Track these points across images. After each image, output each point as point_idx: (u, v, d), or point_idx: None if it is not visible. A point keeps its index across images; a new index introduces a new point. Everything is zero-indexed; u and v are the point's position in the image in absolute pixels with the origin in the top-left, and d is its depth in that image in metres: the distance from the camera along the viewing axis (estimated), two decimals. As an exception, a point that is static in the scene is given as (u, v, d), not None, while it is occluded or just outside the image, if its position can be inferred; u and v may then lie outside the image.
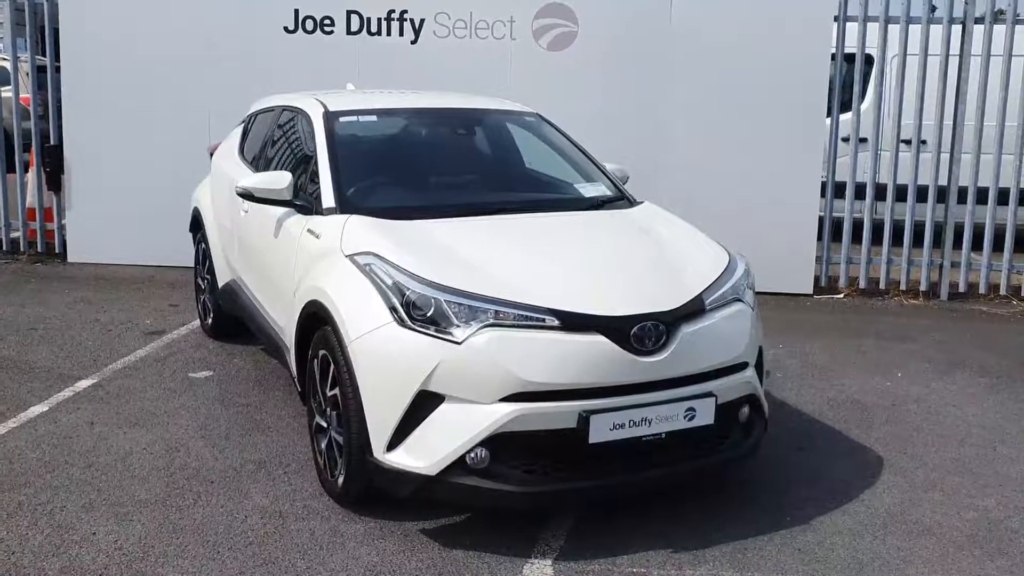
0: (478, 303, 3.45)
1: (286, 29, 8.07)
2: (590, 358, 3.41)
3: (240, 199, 5.09)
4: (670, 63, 7.81)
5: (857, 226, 8.03)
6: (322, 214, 4.24)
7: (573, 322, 3.43)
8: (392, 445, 3.50)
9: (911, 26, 7.73)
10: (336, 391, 3.75)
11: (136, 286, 7.74)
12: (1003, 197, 7.82)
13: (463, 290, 3.50)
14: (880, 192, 7.94)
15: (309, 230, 4.23)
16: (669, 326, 3.54)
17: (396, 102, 5.21)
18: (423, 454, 3.44)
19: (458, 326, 3.43)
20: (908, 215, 7.94)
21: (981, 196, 7.86)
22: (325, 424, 3.97)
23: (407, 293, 3.53)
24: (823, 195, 7.98)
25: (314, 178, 4.48)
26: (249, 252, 5.10)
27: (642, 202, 4.66)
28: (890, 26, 7.77)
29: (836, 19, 7.79)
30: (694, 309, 3.65)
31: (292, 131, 5.15)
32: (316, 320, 3.98)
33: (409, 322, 3.48)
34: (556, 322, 3.43)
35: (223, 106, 7.87)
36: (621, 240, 4.18)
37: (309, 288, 4.02)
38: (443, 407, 3.43)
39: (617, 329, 3.45)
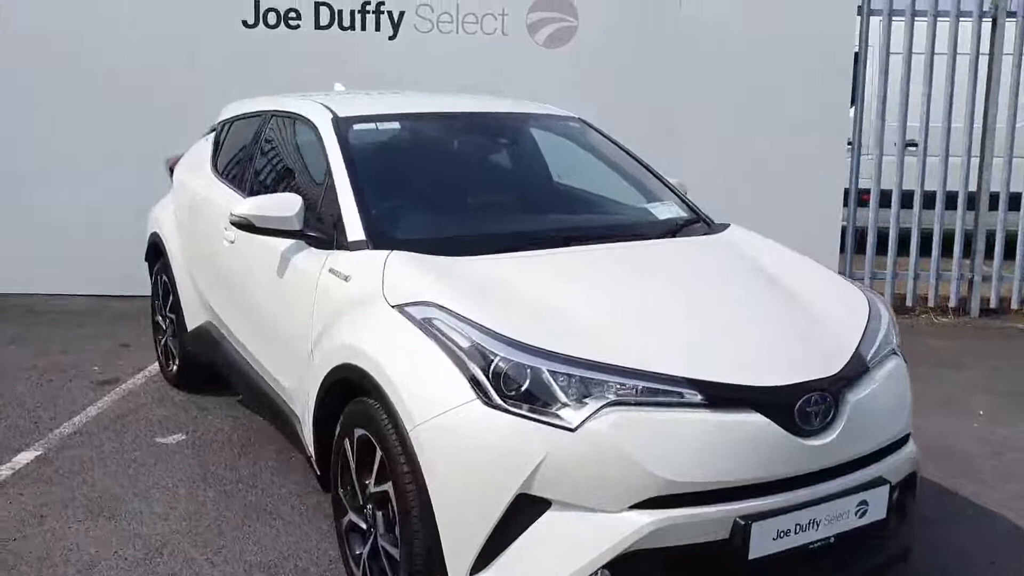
0: (593, 373, 2.57)
1: (245, 23, 7.06)
2: (747, 445, 2.56)
3: (222, 226, 4.15)
4: (681, 60, 7.06)
5: (882, 236, 7.36)
6: (347, 249, 3.31)
7: (721, 396, 2.58)
8: (478, 566, 2.60)
9: (939, 22, 7.09)
10: (387, 487, 2.83)
11: (78, 321, 6.64)
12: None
13: (570, 356, 2.61)
14: (907, 199, 7.27)
15: (332, 270, 3.29)
16: (836, 396, 2.71)
17: (415, 105, 4.28)
18: (523, 580, 2.55)
19: (567, 405, 2.54)
20: (936, 224, 7.29)
21: (1014, 202, 7.26)
22: (365, 526, 3.04)
23: (494, 360, 2.62)
24: (846, 204, 7.30)
25: (329, 202, 3.54)
26: (237, 292, 4.12)
27: (727, 225, 3.83)
28: (916, 21, 7.10)
29: (859, 12, 7.11)
30: (857, 371, 2.82)
31: (288, 142, 4.20)
32: (350, 389, 3.06)
33: (498, 399, 2.58)
34: (698, 397, 2.57)
35: (172, 112, 6.87)
36: (736, 279, 3.32)
37: (339, 347, 3.09)
38: (549, 516, 2.54)
39: (778, 404, 2.60)
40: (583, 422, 2.50)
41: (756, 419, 2.57)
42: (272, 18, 7.06)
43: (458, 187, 3.83)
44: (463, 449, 2.60)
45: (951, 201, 7.26)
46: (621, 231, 3.67)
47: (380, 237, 3.29)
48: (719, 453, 2.53)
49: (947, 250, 7.31)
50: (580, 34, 7.08)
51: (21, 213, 7.14)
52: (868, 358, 2.89)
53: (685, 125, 7.03)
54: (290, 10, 7.05)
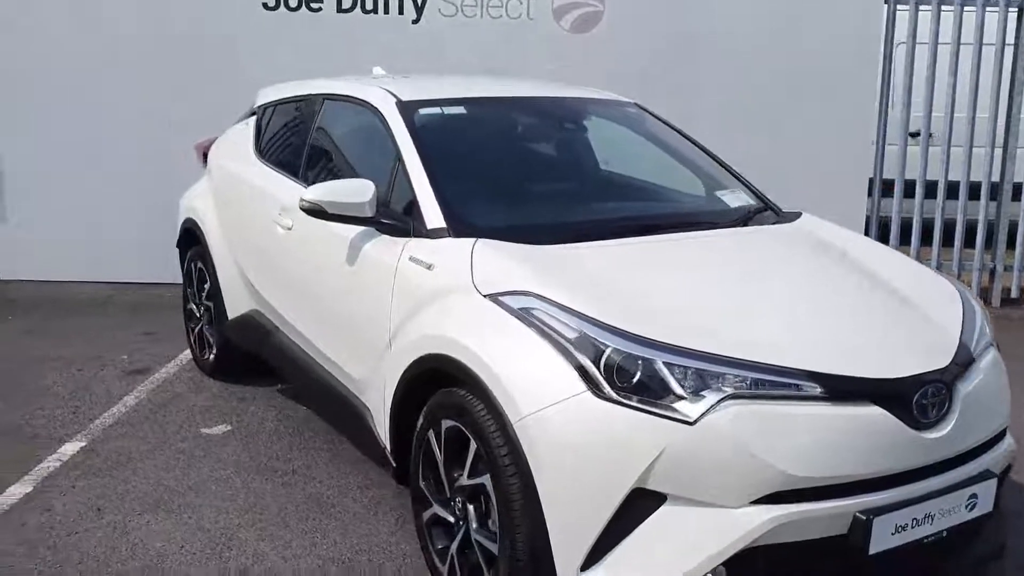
0: (710, 365, 2.51)
1: (265, 6, 6.92)
2: (867, 438, 2.51)
3: (274, 212, 4.06)
4: (708, 47, 6.98)
5: (905, 226, 7.34)
6: (427, 237, 3.22)
7: (840, 389, 2.52)
8: (589, 562, 2.54)
9: (965, 11, 7.06)
10: (484, 480, 2.76)
11: (93, 309, 6.51)
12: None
13: (685, 347, 2.54)
14: (930, 189, 7.26)
15: (413, 259, 3.20)
16: (950, 388, 2.67)
17: (475, 89, 4.17)
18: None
19: (684, 398, 2.48)
20: (960, 214, 7.28)
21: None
22: (453, 519, 2.97)
23: (606, 351, 2.55)
24: (870, 194, 7.29)
25: (400, 189, 3.45)
26: (295, 280, 4.02)
27: (799, 213, 3.78)
28: (943, 11, 7.07)
29: (886, 1, 7.08)
30: (965, 362, 2.78)
31: (346, 127, 4.10)
32: (436, 379, 2.98)
33: (611, 391, 2.52)
34: (818, 389, 2.51)
35: (188, 99, 6.75)
36: (829, 268, 3.27)
37: (426, 337, 3.01)
38: (664, 510, 2.48)
39: (896, 396, 2.56)
40: (702, 415, 2.44)
41: (875, 412, 2.52)
42: (293, 1, 6.92)
43: (529, 173, 3.75)
44: (574, 442, 2.53)
45: (974, 192, 7.26)
46: (700, 219, 3.60)
47: (460, 224, 3.20)
48: (840, 447, 2.48)
49: (969, 241, 7.32)
50: (606, 19, 7.00)
51: (31, 202, 7.00)
52: (972, 348, 2.85)
53: (709, 113, 6.93)
54: (312, -8, 6.92)
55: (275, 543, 3.43)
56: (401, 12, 6.97)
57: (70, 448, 4.21)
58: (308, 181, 4.01)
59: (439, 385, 3.00)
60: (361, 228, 3.45)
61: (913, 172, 7.25)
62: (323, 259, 3.70)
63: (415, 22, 6.98)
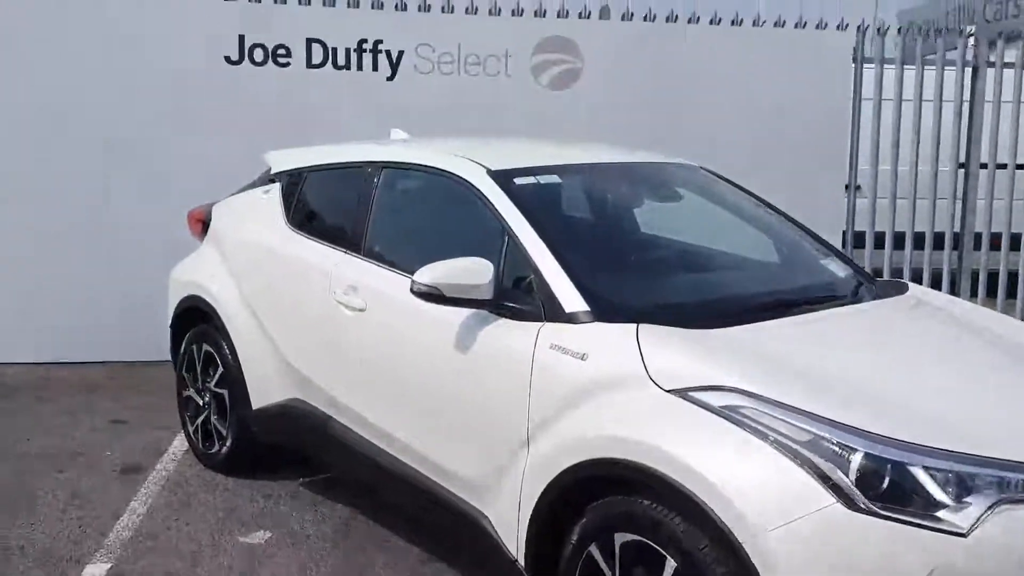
0: (971, 467, 2.29)
1: (228, 60, 6.44)
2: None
3: (335, 291, 3.66)
4: (685, 101, 6.91)
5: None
6: (568, 322, 2.89)
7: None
8: None
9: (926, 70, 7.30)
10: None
11: (36, 394, 5.77)
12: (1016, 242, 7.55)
13: (943, 449, 2.32)
14: (899, 241, 7.41)
15: (556, 347, 2.87)
16: None
17: (555, 156, 3.84)
18: None
19: (948, 506, 2.25)
20: (926, 265, 7.45)
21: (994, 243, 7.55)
22: (636, 643, 2.64)
23: (856, 457, 2.30)
24: (844, 245, 7.37)
25: (515, 268, 3.12)
26: (371, 367, 3.57)
27: (906, 284, 3.65)
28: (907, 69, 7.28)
29: (854, 60, 7.22)
30: None
31: (416, 198, 3.74)
32: (602, 486, 2.67)
33: (865, 502, 2.26)
34: (1062, 485, 2.33)
35: (138, 158, 6.23)
36: (1002, 350, 3.11)
37: (592, 438, 2.69)
38: (927, 634, 2.24)
39: None
40: (975, 525, 2.21)
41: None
42: (259, 55, 6.47)
43: (646, 246, 3.49)
44: (826, 562, 2.26)
45: (940, 242, 7.46)
46: (832, 293, 3.39)
47: (605, 307, 2.90)
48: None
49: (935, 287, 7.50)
50: (585, 75, 6.84)
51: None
52: None
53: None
54: (279, 47, 6.49)
55: (391, 678, 3.00)
56: (375, 68, 6.62)
57: (95, 572, 3.62)
58: (376, 258, 3.64)
59: (602, 492, 2.69)
60: (472, 311, 3.10)
61: (883, 225, 7.40)
62: (420, 345, 3.31)
63: (390, 79, 6.64)
